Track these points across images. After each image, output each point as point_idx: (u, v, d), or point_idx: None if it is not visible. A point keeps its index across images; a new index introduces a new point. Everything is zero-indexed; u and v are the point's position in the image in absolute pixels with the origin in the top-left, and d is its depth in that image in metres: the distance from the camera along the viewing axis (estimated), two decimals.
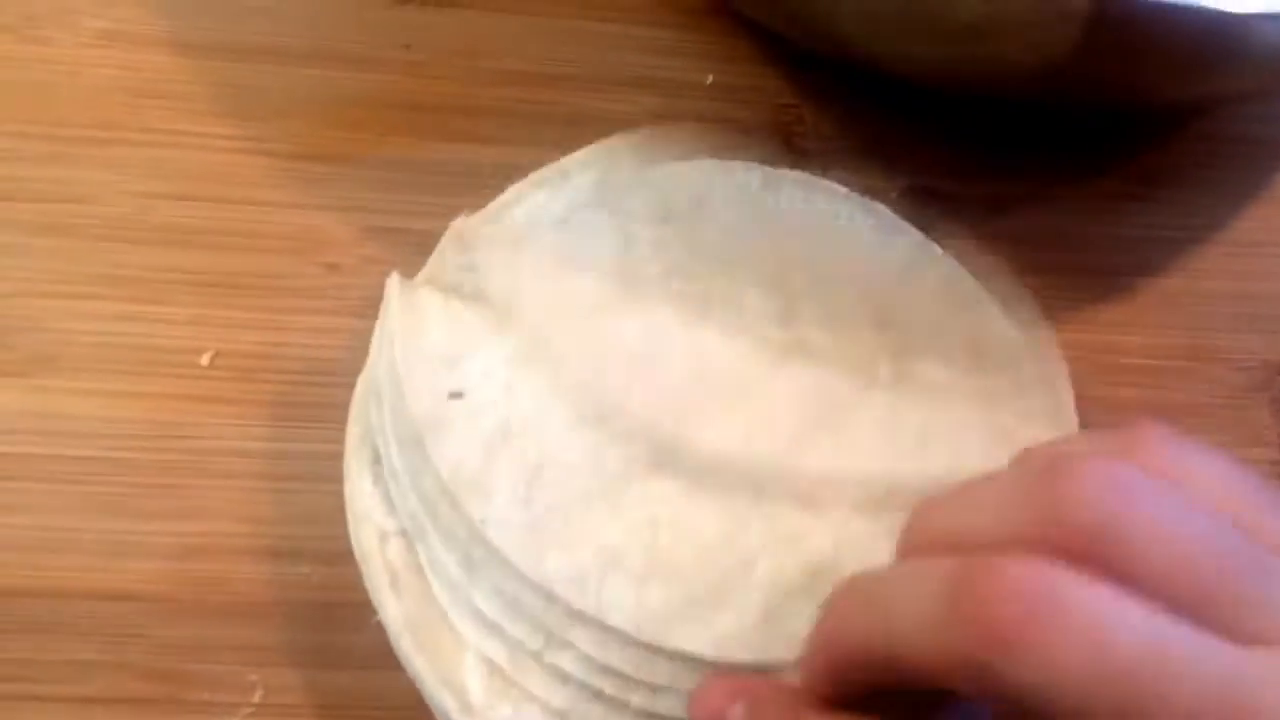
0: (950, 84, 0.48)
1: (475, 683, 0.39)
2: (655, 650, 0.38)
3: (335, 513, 0.42)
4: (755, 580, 0.39)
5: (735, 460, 0.40)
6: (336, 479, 0.42)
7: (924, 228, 0.47)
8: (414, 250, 0.46)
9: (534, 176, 0.47)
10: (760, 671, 0.38)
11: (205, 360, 0.46)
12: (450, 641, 0.39)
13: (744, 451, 0.41)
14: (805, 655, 0.35)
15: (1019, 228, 0.50)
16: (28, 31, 0.50)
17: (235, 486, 0.44)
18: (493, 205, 0.46)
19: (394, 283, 0.43)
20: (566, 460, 0.40)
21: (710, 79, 0.52)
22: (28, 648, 0.42)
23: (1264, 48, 0.40)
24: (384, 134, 0.50)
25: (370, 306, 0.44)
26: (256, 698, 0.42)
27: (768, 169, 0.47)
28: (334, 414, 0.44)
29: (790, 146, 0.51)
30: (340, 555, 0.42)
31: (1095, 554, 0.28)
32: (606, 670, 0.38)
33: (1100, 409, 0.46)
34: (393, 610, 0.40)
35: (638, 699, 0.38)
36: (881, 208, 0.47)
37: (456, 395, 0.40)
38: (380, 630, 0.40)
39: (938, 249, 0.46)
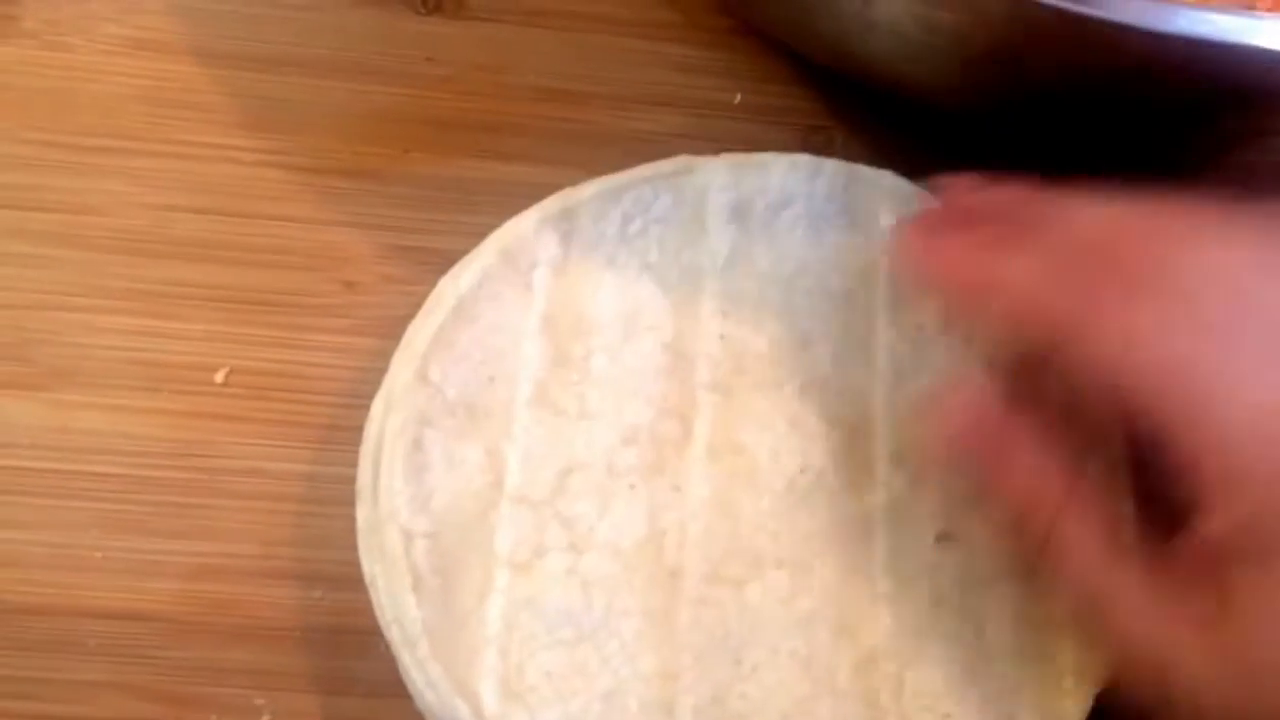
0: (980, 107, 0.47)
1: (490, 690, 0.38)
2: None
3: (348, 536, 0.41)
4: None
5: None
6: (350, 502, 0.42)
7: None
8: (433, 269, 0.45)
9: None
10: None
11: (220, 378, 0.45)
12: (467, 648, 0.39)
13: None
14: None
15: None
16: (50, 37, 0.49)
17: (249, 507, 0.44)
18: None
19: None
20: None
21: (738, 98, 0.52)
22: (35, 666, 0.42)
23: None
24: (407, 149, 0.49)
25: (388, 326, 0.44)
26: None
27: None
28: (349, 436, 0.43)
29: None
30: (352, 580, 0.41)
31: None
32: None
33: None
34: (411, 614, 0.39)
35: None
36: None
37: None
38: (388, 657, 0.40)
39: None
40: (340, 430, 0.45)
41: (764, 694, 0.39)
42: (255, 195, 0.48)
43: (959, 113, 0.48)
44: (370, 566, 0.40)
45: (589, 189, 0.45)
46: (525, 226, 0.44)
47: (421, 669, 0.39)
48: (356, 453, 0.42)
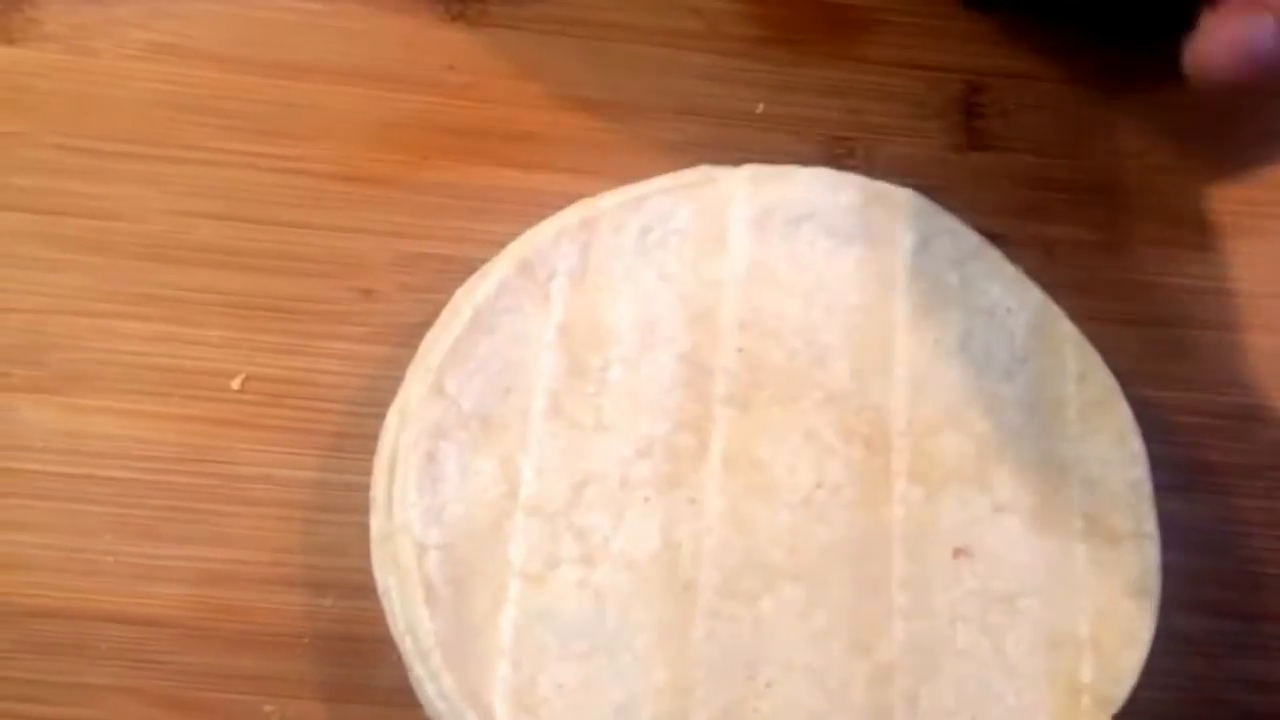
0: None
1: (502, 702, 0.38)
2: None
3: (359, 544, 0.41)
4: None
5: None
6: (363, 510, 0.42)
7: None
8: (451, 278, 0.45)
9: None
10: None
11: (236, 384, 0.45)
12: (480, 659, 0.39)
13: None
14: None
15: (1067, 274, 0.49)
16: (73, 42, 0.49)
17: (261, 514, 0.44)
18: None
19: None
20: None
21: (761, 108, 0.51)
22: (46, 669, 0.42)
23: None
24: (426, 156, 0.49)
25: (404, 334, 0.44)
26: None
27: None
28: (363, 444, 0.43)
29: None
30: (364, 589, 0.41)
31: None
32: None
33: (1152, 467, 0.44)
34: (425, 626, 0.39)
35: None
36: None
37: None
38: (398, 666, 0.40)
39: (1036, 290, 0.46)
40: (353, 438, 0.44)
41: (777, 709, 0.39)
42: (274, 201, 0.48)
43: None
44: (384, 578, 0.40)
45: (608, 199, 0.45)
46: (543, 237, 0.44)
47: (434, 680, 0.38)
48: (369, 461, 0.42)
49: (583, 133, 0.50)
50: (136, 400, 0.45)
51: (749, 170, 0.46)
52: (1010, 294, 0.45)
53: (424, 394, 0.41)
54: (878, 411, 0.43)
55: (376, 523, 0.41)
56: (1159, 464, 0.44)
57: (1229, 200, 0.53)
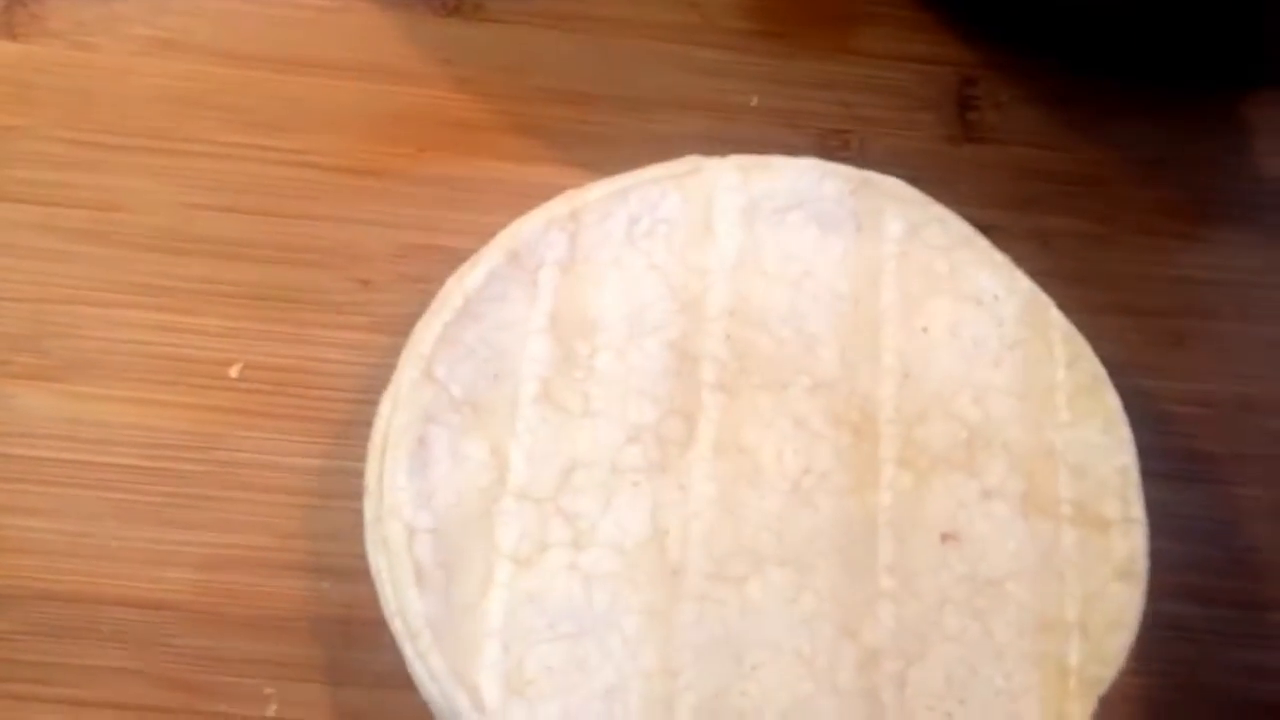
0: None
1: (491, 683, 0.39)
2: None
3: (357, 530, 0.42)
4: None
5: None
6: (361, 496, 0.42)
7: None
8: (448, 268, 0.45)
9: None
10: None
11: (234, 372, 0.46)
12: (469, 641, 0.39)
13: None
14: None
15: (1061, 264, 0.49)
16: (77, 38, 0.50)
17: (262, 500, 0.45)
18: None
19: None
20: None
21: (755, 101, 0.52)
22: (47, 651, 0.43)
23: None
24: (425, 149, 0.50)
25: (402, 323, 0.44)
26: (271, 711, 0.42)
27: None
28: (361, 431, 0.43)
29: None
30: (362, 573, 0.41)
31: None
32: None
33: (1145, 455, 0.44)
34: (415, 607, 0.39)
35: None
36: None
37: None
38: (395, 649, 0.40)
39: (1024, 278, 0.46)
40: (352, 425, 0.45)
41: (765, 692, 0.39)
42: (274, 194, 0.49)
43: None
44: (375, 560, 0.41)
45: (596, 190, 0.45)
46: (532, 227, 0.44)
47: (423, 661, 0.39)
48: (367, 448, 0.43)
49: (579, 126, 0.51)
50: (138, 388, 0.46)
51: (736, 160, 0.46)
52: (999, 281, 0.45)
53: (415, 379, 0.42)
54: (866, 398, 0.43)
55: (369, 508, 0.41)
56: (1154, 453, 0.44)
57: (1224, 191, 0.53)
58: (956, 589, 0.41)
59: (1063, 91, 0.54)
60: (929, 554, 0.41)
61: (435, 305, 0.43)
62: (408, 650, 0.39)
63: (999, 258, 0.45)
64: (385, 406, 0.43)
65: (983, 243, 0.46)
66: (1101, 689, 0.40)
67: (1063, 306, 0.45)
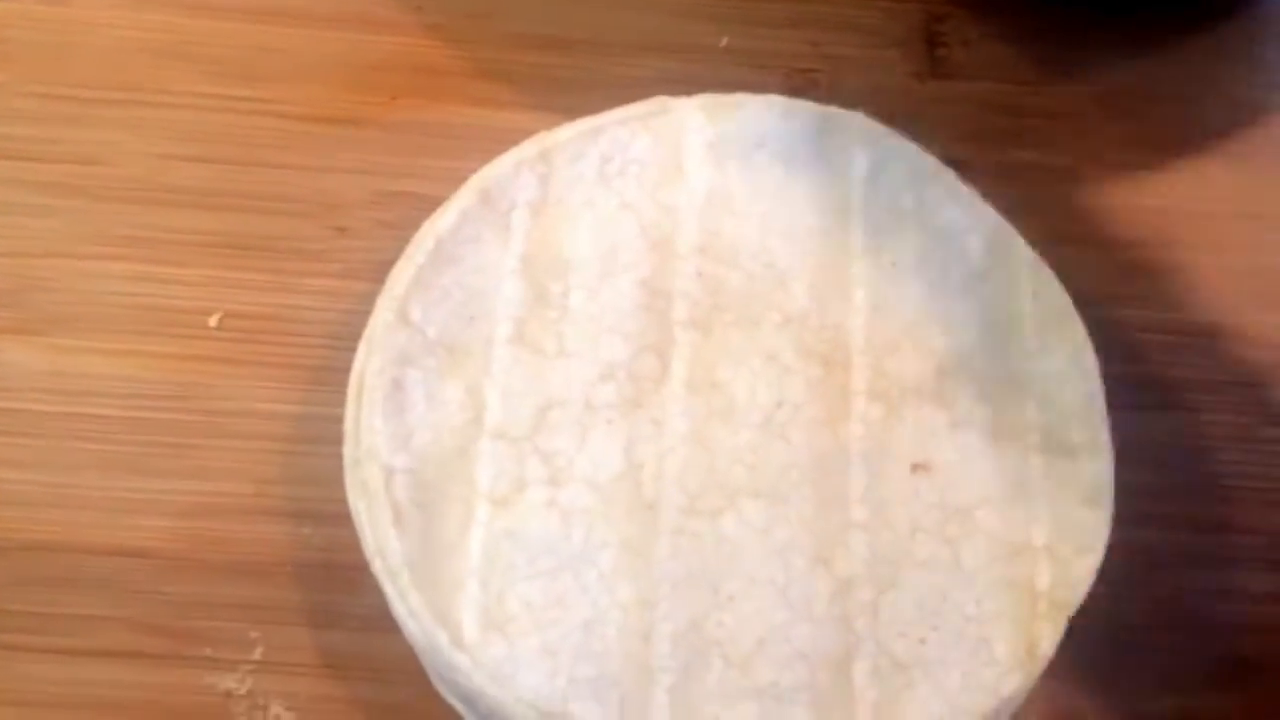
0: None
1: (470, 619, 0.39)
2: None
3: (338, 474, 0.42)
4: None
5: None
6: (340, 441, 0.42)
7: None
8: (424, 214, 0.45)
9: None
10: None
11: (213, 322, 0.46)
12: (448, 578, 0.40)
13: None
14: None
15: (1032, 198, 0.49)
16: None
17: (242, 447, 0.45)
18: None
19: None
20: None
21: (724, 42, 0.52)
22: (35, 600, 0.43)
23: None
24: (397, 96, 0.50)
25: (378, 270, 0.45)
26: (257, 654, 0.43)
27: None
28: (340, 377, 0.44)
29: None
30: (342, 517, 0.42)
31: None
32: None
33: (1118, 386, 0.45)
34: (393, 546, 0.40)
35: None
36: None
37: None
38: (378, 591, 0.41)
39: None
40: (331, 372, 0.45)
41: (740, 621, 0.40)
42: (250, 143, 0.49)
43: None
44: (355, 502, 0.41)
45: (566, 131, 0.45)
46: (503, 169, 0.45)
47: (403, 599, 0.39)
48: (346, 394, 0.43)
49: (550, 70, 0.51)
50: (118, 339, 0.46)
51: (703, 99, 0.46)
52: (966, 214, 0.46)
53: (390, 322, 0.42)
54: (836, 331, 0.44)
55: (348, 450, 0.42)
56: (1122, 382, 0.45)
57: (1192, 123, 0.53)
58: (927, 517, 0.42)
59: (1031, 27, 0.54)
60: (900, 484, 0.42)
61: (410, 249, 0.44)
62: (388, 589, 0.40)
63: (965, 191, 0.46)
64: (362, 350, 0.43)
65: (950, 176, 0.46)
66: (1070, 611, 0.41)
67: (1030, 239, 0.46)
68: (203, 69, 0.50)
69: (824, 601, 0.40)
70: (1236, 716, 0.45)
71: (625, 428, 0.42)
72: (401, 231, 0.45)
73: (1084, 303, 0.45)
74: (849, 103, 0.47)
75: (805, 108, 0.47)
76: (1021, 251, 0.45)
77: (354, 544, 0.41)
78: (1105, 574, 0.41)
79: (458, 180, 0.45)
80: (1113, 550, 0.41)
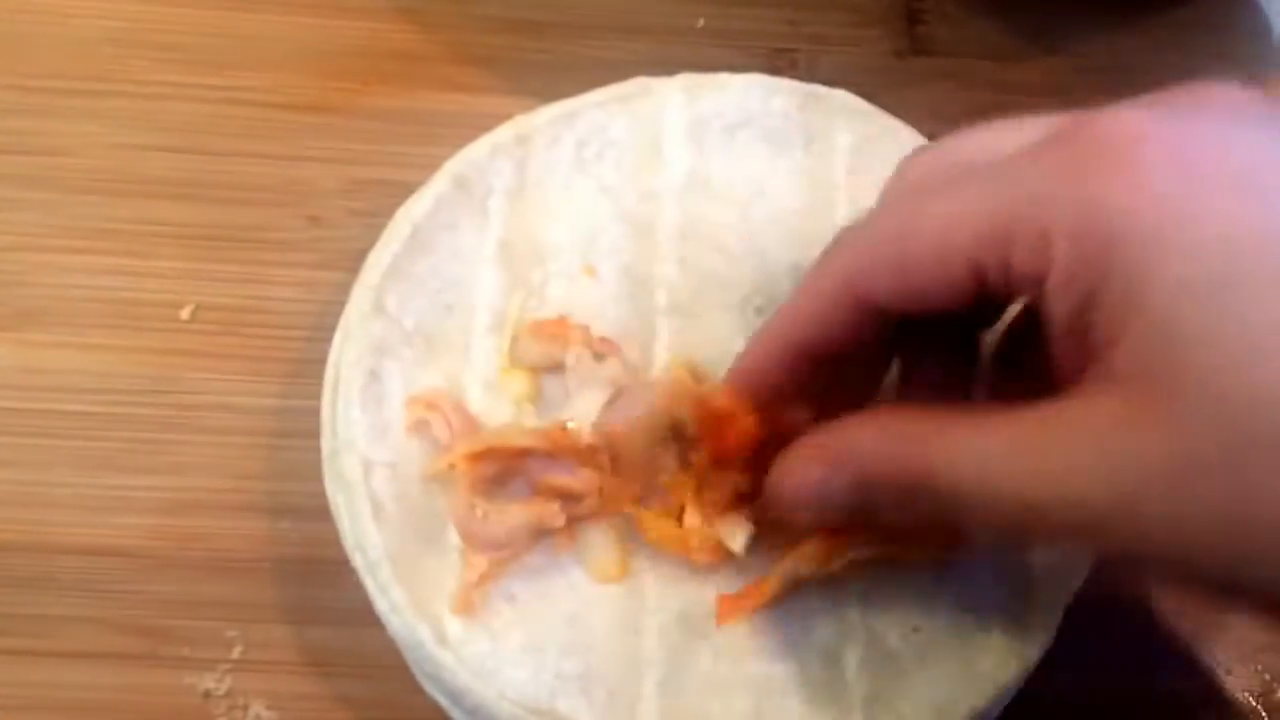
0: None
1: (452, 614, 0.39)
2: None
3: (316, 469, 0.41)
4: None
5: None
6: (318, 434, 0.42)
7: None
8: (398, 201, 0.44)
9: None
10: None
11: (186, 314, 0.46)
12: (430, 573, 0.39)
13: None
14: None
15: None
16: None
17: (218, 442, 0.45)
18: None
19: None
20: None
21: (701, 23, 0.52)
22: (9, 601, 0.42)
23: None
24: (370, 82, 0.50)
25: (353, 259, 0.44)
26: (235, 653, 0.42)
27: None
28: (316, 369, 0.43)
29: None
30: (320, 512, 0.41)
31: None
32: None
33: None
34: (374, 539, 0.39)
35: None
36: None
37: None
38: (358, 586, 0.40)
39: None
40: (307, 364, 0.45)
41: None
42: (221, 133, 0.49)
43: None
44: (333, 495, 0.40)
45: (542, 115, 0.45)
46: (478, 154, 0.44)
47: (384, 594, 0.39)
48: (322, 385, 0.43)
49: (525, 54, 0.51)
50: (89, 334, 0.45)
51: (684, 79, 0.46)
52: None
53: (365, 312, 0.41)
54: None
55: (325, 442, 0.41)
56: None
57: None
58: None
59: (1012, 2, 0.53)
60: None
61: (385, 236, 0.43)
62: (369, 584, 0.39)
63: None
64: (338, 340, 0.42)
65: None
66: (1066, 598, 0.40)
67: None
68: (171, 58, 0.49)
69: (816, 591, 0.40)
70: None
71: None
72: (376, 219, 0.44)
73: None
74: (830, 82, 0.47)
75: (789, 86, 0.46)
76: None
77: (332, 539, 0.40)
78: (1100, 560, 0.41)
79: (432, 167, 0.45)
80: None
